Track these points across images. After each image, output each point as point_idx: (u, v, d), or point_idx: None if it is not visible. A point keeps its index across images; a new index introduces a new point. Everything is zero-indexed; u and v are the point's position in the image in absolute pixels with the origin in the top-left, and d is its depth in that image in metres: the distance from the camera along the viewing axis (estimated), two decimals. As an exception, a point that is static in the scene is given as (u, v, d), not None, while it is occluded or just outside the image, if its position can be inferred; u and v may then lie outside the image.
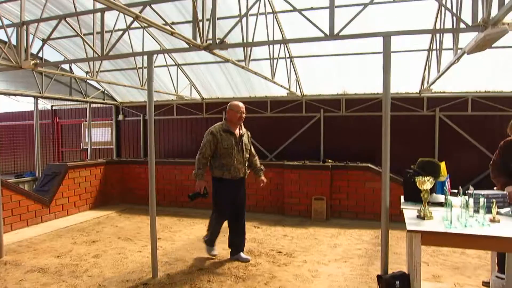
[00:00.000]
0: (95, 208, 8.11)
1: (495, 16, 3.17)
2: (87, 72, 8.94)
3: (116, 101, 10.98)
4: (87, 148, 11.50)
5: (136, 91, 10.27)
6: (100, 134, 11.48)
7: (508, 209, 3.17)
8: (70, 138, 12.14)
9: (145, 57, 4.70)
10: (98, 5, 4.96)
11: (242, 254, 4.87)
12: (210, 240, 4.97)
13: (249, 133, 5.00)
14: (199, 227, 6.60)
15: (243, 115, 4.75)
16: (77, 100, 9.93)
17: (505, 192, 3.30)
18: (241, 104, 4.75)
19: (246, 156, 4.79)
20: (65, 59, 8.34)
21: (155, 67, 8.26)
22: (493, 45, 3.81)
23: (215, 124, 4.77)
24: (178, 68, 8.91)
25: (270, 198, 7.59)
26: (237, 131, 4.73)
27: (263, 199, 7.64)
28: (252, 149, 4.98)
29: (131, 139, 11.23)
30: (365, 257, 4.96)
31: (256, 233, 6.14)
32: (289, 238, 5.86)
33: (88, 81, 9.79)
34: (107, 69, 9.12)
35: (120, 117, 11.19)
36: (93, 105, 11.22)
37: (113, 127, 11.29)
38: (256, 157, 5.03)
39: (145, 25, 6.56)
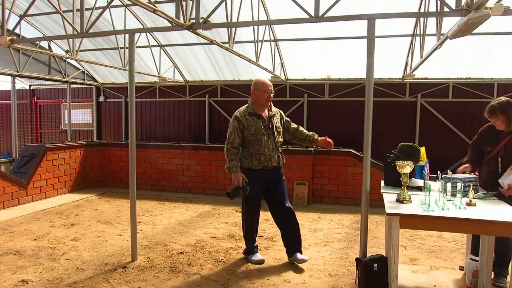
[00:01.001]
0: (75, 191, 7.98)
1: (478, 0, 3.17)
2: (66, 51, 8.70)
3: (97, 82, 10.75)
4: (66, 130, 11.27)
5: (117, 72, 10.06)
6: (81, 116, 11.25)
7: (479, 193, 3.25)
8: (49, 119, 11.87)
9: (127, 36, 4.56)
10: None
11: (299, 255, 4.12)
12: (248, 250, 4.30)
13: (281, 112, 4.28)
14: (180, 211, 6.56)
15: (272, 95, 4.05)
16: (56, 80, 9.68)
17: (475, 175, 3.36)
18: (267, 82, 4.05)
19: (280, 140, 4.12)
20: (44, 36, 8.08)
21: (137, 47, 8.08)
22: (475, 32, 3.84)
23: (240, 108, 4.10)
24: (161, 49, 8.74)
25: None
26: (265, 113, 4.07)
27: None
28: (293, 124, 4.27)
29: (112, 121, 11.04)
30: (345, 241, 5.01)
31: (237, 218, 6.14)
32: (270, 223, 5.87)
33: (68, 60, 9.54)
34: (88, 48, 8.89)
35: (101, 99, 10.98)
36: (73, 86, 10.96)
37: (93, 109, 11.08)
38: (301, 127, 4.27)
39: (127, 2, 6.38)
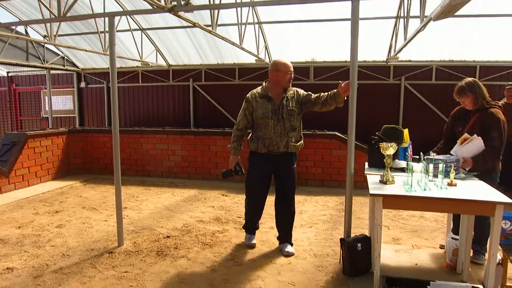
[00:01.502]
0: (58, 178, 7.88)
1: None
2: (44, 36, 8.47)
3: (78, 67, 10.53)
4: (47, 117, 11.05)
5: (98, 57, 9.86)
6: (62, 102, 11.03)
7: (460, 173, 3.33)
8: (29, 107, 11.61)
9: (107, 20, 4.44)
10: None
11: (288, 247, 4.06)
12: (246, 227, 4.34)
13: (299, 90, 4.02)
14: (166, 196, 6.56)
15: (293, 75, 3.91)
16: (35, 66, 9.44)
17: (457, 157, 3.43)
18: (289, 62, 3.86)
19: (294, 124, 3.86)
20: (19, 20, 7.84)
21: (117, 31, 7.92)
22: (458, 14, 3.86)
23: (254, 89, 3.97)
24: (143, 33, 8.58)
25: (238, 167, 7.59)
26: (278, 95, 3.87)
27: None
28: (313, 95, 3.94)
29: (94, 107, 10.87)
30: (330, 223, 5.09)
31: (223, 201, 6.17)
32: (257, 205, 5.93)
33: (46, 46, 9.29)
34: (67, 33, 8.66)
35: (83, 84, 10.77)
36: (53, 72, 10.70)
37: (75, 95, 10.87)
38: (322, 93, 3.89)
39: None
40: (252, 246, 4.18)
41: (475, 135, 3.41)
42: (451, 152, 3.50)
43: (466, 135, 3.44)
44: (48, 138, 7.70)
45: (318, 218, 5.28)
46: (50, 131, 7.99)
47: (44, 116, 11.30)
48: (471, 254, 3.63)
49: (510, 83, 6.22)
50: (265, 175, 4.01)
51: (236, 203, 6.07)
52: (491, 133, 3.44)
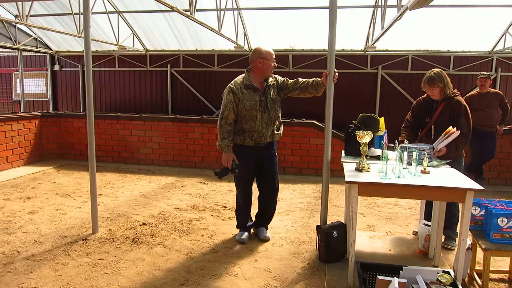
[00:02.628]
0: (31, 164, 7.67)
1: None
2: (16, 16, 8.14)
3: (51, 49, 10.18)
4: (19, 100, 10.68)
5: (73, 39, 9.56)
6: (34, 85, 10.67)
7: (433, 161, 3.43)
8: (0, 89, 11.19)
9: (81, 0, 4.29)
10: None
11: (265, 231, 4.09)
12: (239, 225, 4.14)
13: (277, 77, 3.92)
14: (143, 183, 6.48)
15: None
16: (5, 47, 9.07)
17: (431, 145, 3.53)
18: (271, 50, 3.72)
19: (278, 112, 3.81)
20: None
21: (93, 13, 7.70)
22: (434, 4, 3.92)
23: (235, 79, 3.75)
24: (119, 16, 8.35)
25: (216, 154, 7.55)
26: (260, 85, 3.73)
27: (209, 155, 7.60)
28: (291, 80, 3.90)
29: (69, 91, 10.57)
30: (307, 210, 5.14)
31: (201, 189, 6.14)
32: (234, 193, 5.92)
33: (18, 26, 8.93)
34: (39, 14, 8.34)
35: (56, 68, 10.43)
36: (25, 54, 10.33)
37: (48, 78, 10.52)
38: (300, 79, 3.86)
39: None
40: (244, 242, 3.97)
41: (455, 129, 3.49)
42: (434, 144, 3.56)
43: (450, 128, 3.51)
44: (19, 122, 7.46)
45: (295, 206, 5.32)
46: (22, 115, 7.74)
47: (15, 99, 10.93)
48: (443, 239, 3.75)
49: (483, 73, 6.38)
50: (253, 167, 3.88)
51: (214, 190, 6.06)
52: (459, 121, 3.61)
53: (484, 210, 3.10)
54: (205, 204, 5.31)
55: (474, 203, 3.00)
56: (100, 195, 5.59)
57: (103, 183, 6.35)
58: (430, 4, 3.78)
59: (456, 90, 3.82)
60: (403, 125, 4.10)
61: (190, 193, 5.86)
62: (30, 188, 5.94)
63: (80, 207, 5.08)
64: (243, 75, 3.78)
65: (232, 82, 3.73)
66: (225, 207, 5.22)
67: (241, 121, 3.71)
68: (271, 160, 3.93)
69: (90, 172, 4.17)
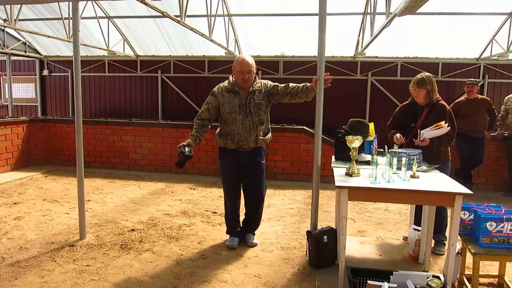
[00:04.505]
0: (18, 169, 7.55)
1: None
2: (4, 20, 8.05)
3: (41, 54, 10.09)
4: (7, 105, 10.55)
5: (62, 44, 9.50)
6: (23, 90, 10.55)
7: (422, 166, 3.45)
8: (-13, 94, 11.05)
9: (71, 4, 4.25)
10: None
11: (252, 237, 4.09)
12: (228, 229, 4.15)
13: (267, 82, 3.86)
14: (132, 189, 6.41)
15: (248, 75, 3.63)
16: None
17: (420, 150, 3.55)
18: (247, 60, 3.62)
19: (262, 117, 3.77)
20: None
21: (83, 18, 7.67)
22: (422, 11, 3.96)
23: (221, 83, 3.81)
24: (110, 21, 8.31)
25: (207, 160, 7.52)
26: (244, 89, 3.73)
27: (199, 160, 7.56)
28: (281, 86, 3.81)
29: (58, 96, 10.47)
30: (297, 216, 5.13)
31: (191, 195, 6.09)
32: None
33: (6, 30, 8.85)
34: (29, 18, 8.27)
35: (45, 72, 10.33)
36: (13, 58, 10.22)
37: (37, 83, 10.42)
38: (290, 84, 3.80)
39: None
40: (234, 247, 3.95)
41: (447, 125, 3.56)
42: (422, 131, 3.62)
43: (442, 122, 3.57)
44: (7, 127, 7.35)
45: (285, 212, 5.30)
46: (10, 120, 7.63)
47: (3, 104, 10.79)
48: (432, 244, 3.75)
49: (470, 79, 6.46)
50: (238, 172, 3.87)
51: (204, 196, 6.02)
52: (447, 125, 3.63)
53: (473, 215, 3.11)
54: (195, 210, 5.27)
55: (463, 207, 3.02)
56: (88, 201, 5.52)
57: (92, 188, 6.27)
58: (418, 11, 3.82)
59: (438, 96, 3.86)
60: (388, 130, 4.10)
61: (180, 199, 5.81)
62: (16, 194, 5.85)
63: (68, 213, 5.00)
64: (229, 78, 3.84)
65: (218, 85, 3.84)
66: (215, 213, 5.19)
67: (224, 123, 3.79)
68: (256, 168, 3.90)
69: (78, 177, 4.11)
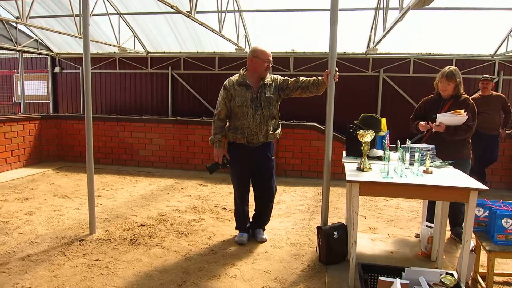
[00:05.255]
0: (30, 165, 7.62)
1: None
2: (17, 17, 8.13)
3: (52, 51, 10.17)
4: (19, 102, 10.66)
5: (74, 42, 9.56)
6: (35, 87, 10.65)
7: (436, 161, 3.39)
8: (0, 91, 11.17)
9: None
10: None
11: (262, 232, 4.05)
12: (237, 225, 4.12)
13: (277, 77, 3.87)
14: (142, 185, 6.42)
15: (271, 65, 3.75)
16: (6, 49, 9.06)
17: (433, 146, 3.49)
18: (267, 50, 3.69)
19: (272, 112, 3.74)
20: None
21: (94, 15, 7.70)
22: (435, 7, 3.88)
23: (231, 77, 3.79)
24: (120, 18, 8.34)
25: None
26: (255, 83, 3.72)
27: (209, 157, 7.54)
28: (291, 80, 3.83)
29: (69, 93, 10.55)
30: (307, 212, 5.08)
31: (201, 191, 6.08)
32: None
33: (19, 28, 8.92)
34: (40, 15, 8.33)
35: (57, 69, 10.42)
36: (26, 55, 10.31)
37: (49, 80, 10.50)
38: (301, 78, 3.80)
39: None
40: (243, 243, 3.92)
41: (466, 114, 3.56)
42: (438, 115, 3.63)
43: (462, 110, 3.57)
44: (19, 123, 7.42)
45: (295, 208, 5.26)
46: (22, 116, 7.71)
47: (16, 101, 10.91)
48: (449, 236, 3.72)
49: (485, 75, 6.33)
50: (248, 167, 3.84)
51: (214, 192, 6.00)
52: (467, 114, 3.63)
53: (488, 212, 3.03)
54: (204, 206, 5.25)
55: (478, 204, 2.94)
56: (99, 196, 5.55)
57: (102, 184, 6.30)
58: (431, 6, 3.75)
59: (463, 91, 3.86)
60: (411, 123, 4.10)
61: (190, 195, 5.80)
62: (28, 189, 5.90)
63: (78, 208, 5.02)
64: (240, 72, 3.80)
65: (228, 79, 3.78)
66: (224, 208, 5.17)
67: (234, 118, 3.75)
68: (266, 163, 3.86)
69: (87, 172, 4.12)
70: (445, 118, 3.59)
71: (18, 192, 5.72)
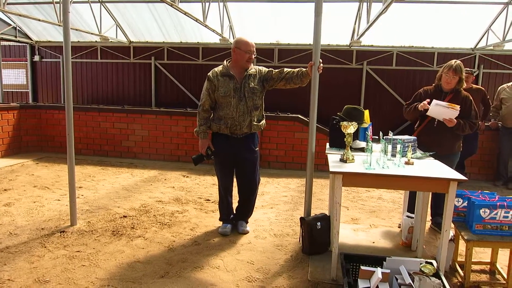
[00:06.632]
0: (8, 156, 7.45)
1: None
2: (-7, 4, 7.87)
3: (31, 39, 9.90)
4: (-3, 91, 10.38)
5: (54, 30, 9.33)
6: (14, 76, 10.37)
7: (417, 153, 3.44)
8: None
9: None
10: None
11: (244, 224, 4.05)
12: (221, 216, 4.13)
13: (261, 68, 3.85)
14: (125, 176, 6.35)
15: (253, 56, 3.71)
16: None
17: (414, 137, 3.56)
18: (250, 41, 3.66)
19: (256, 102, 3.73)
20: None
21: (74, 2, 7.51)
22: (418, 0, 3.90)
23: (215, 68, 3.77)
24: (102, 6, 8.16)
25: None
26: (240, 73, 3.71)
27: (193, 148, 7.50)
28: (275, 71, 3.81)
29: (49, 82, 10.32)
30: (291, 203, 5.11)
31: (184, 182, 6.05)
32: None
33: (-4, 15, 8.67)
34: (18, 2, 8.09)
35: (37, 58, 10.16)
36: (3, 43, 10.02)
37: (28, 69, 10.25)
38: (285, 69, 3.78)
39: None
40: (226, 234, 3.93)
41: (458, 108, 3.63)
42: (434, 101, 3.71)
43: (457, 106, 3.64)
44: (-3, 113, 7.23)
45: (279, 199, 5.28)
46: (0, 105, 7.51)
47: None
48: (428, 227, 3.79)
49: (467, 69, 6.42)
50: (231, 157, 3.83)
51: (197, 184, 5.98)
52: (471, 112, 3.79)
53: (466, 202, 3.10)
54: (188, 197, 5.23)
55: (457, 194, 3.01)
56: (80, 187, 5.47)
57: (84, 175, 6.21)
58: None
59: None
60: (407, 106, 4.08)
61: (173, 186, 5.76)
62: (7, 181, 5.77)
63: (59, 200, 4.94)
64: (224, 63, 3.79)
65: (211, 70, 3.77)
66: (208, 200, 5.15)
67: (218, 108, 3.75)
68: (249, 154, 3.84)
69: (68, 162, 4.05)
70: (437, 108, 3.66)
71: (-4, 183, 5.59)
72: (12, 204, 4.69)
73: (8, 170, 6.43)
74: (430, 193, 3.65)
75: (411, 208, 3.87)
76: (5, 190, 5.27)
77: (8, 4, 6.83)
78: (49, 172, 6.42)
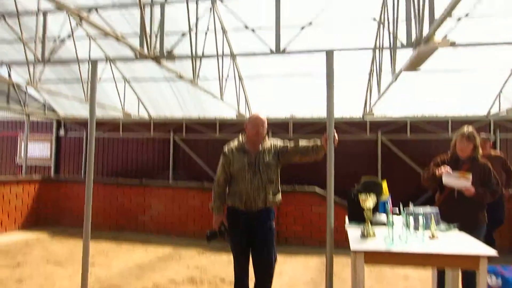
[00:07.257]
0: (25, 228, 7.44)
1: (426, 34, 3.48)
2: (27, 83, 8.40)
3: (58, 115, 10.37)
4: (21, 164, 10.67)
5: (80, 105, 9.77)
6: (38, 150, 10.72)
7: (441, 225, 3.26)
8: (3, 152, 11.21)
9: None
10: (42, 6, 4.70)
11: None
12: None
13: (276, 142, 3.83)
14: (139, 252, 6.21)
15: (261, 130, 3.67)
16: (15, 111, 9.26)
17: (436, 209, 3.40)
18: (261, 117, 3.70)
19: (271, 177, 3.66)
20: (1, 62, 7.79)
21: (100, 80, 7.94)
22: (428, 69, 4.01)
23: (231, 142, 3.81)
24: (126, 84, 8.61)
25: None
26: (255, 148, 3.70)
27: (208, 224, 7.32)
28: (291, 144, 3.78)
29: (72, 156, 10.60)
30: (311, 284, 4.85)
31: (199, 261, 5.86)
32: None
33: (28, 92, 9.19)
34: (49, 78, 8.60)
35: (62, 133, 10.57)
36: (32, 119, 10.51)
37: (52, 143, 10.61)
38: (301, 143, 3.72)
39: (91, 32, 6.32)
40: None
41: (470, 177, 3.55)
42: (448, 169, 3.66)
43: (467, 173, 3.58)
44: (19, 185, 7.36)
45: (299, 280, 5.02)
46: (22, 178, 7.69)
47: (19, 162, 10.94)
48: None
49: (483, 135, 6.31)
50: (245, 235, 3.65)
51: (213, 262, 5.78)
52: (491, 180, 3.71)
53: (500, 279, 2.87)
54: (202, 276, 5.03)
55: (489, 271, 2.80)
56: (93, 264, 5.34)
57: (97, 252, 6.08)
58: (423, 69, 3.94)
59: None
60: (426, 173, 4.01)
61: (188, 265, 5.57)
62: (21, 254, 5.71)
63: (70, 277, 4.81)
64: (240, 137, 3.84)
65: (227, 144, 3.81)
66: (223, 279, 4.93)
67: (233, 182, 3.70)
68: (265, 229, 3.66)
69: (83, 241, 3.97)
70: (449, 179, 3.58)
71: (10, 258, 5.54)
72: (23, 280, 4.59)
73: (24, 244, 6.40)
74: (460, 270, 3.41)
75: (440, 286, 3.61)
76: (18, 265, 5.19)
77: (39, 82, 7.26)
78: (63, 246, 6.35)
